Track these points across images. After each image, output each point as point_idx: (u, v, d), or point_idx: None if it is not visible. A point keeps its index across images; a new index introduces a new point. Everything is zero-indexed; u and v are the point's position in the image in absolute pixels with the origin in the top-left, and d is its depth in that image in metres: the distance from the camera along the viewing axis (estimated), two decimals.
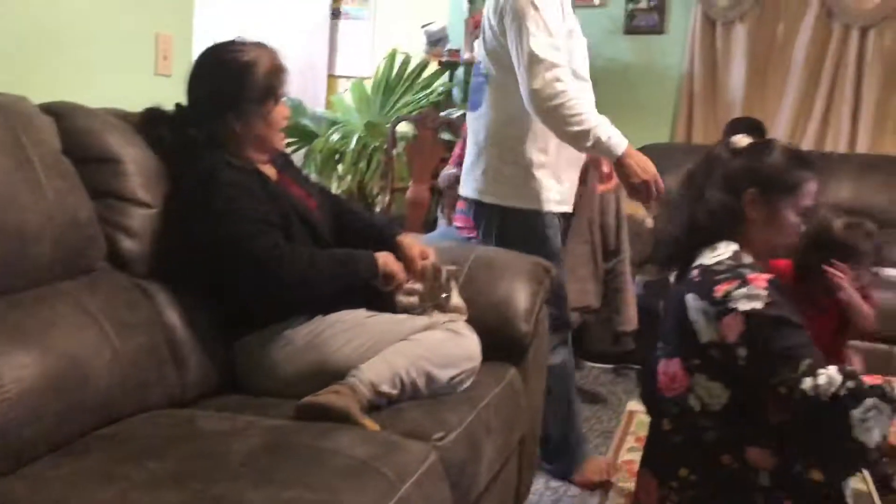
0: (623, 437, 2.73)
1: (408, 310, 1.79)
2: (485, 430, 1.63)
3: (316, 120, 4.92)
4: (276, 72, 1.71)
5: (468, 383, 1.69)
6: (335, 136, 4.68)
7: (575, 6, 2.26)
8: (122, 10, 2.32)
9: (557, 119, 2.02)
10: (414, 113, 4.42)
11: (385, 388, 1.54)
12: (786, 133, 4.22)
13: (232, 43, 1.71)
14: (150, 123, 1.72)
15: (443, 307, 1.79)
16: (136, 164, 1.64)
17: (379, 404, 1.53)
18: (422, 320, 1.71)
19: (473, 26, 4.64)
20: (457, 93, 4.89)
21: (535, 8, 2.01)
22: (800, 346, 1.42)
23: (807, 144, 4.19)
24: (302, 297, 1.66)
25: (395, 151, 4.32)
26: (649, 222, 3.26)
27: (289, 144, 4.76)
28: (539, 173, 2.17)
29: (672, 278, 1.72)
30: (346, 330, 1.66)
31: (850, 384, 1.36)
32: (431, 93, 4.80)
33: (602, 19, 4.47)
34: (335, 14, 5.25)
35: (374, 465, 1.25)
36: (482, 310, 1.89)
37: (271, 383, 1.64)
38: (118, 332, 1.46)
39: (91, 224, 1.55)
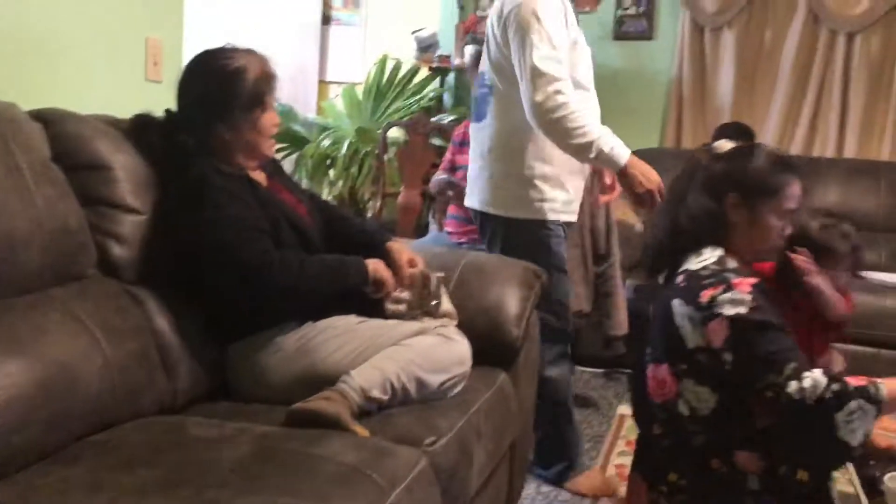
0: (614, 442, 2.74)
1: (396, 317, 1.79)
2: (475, 435, 1.63)
3: (307, 126, 4.92)
4: (266, 79, 1.71)
5: (459, 388, 1.70)
6: (326, 142, 4.68)
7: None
8: (111, 15, 2.32)
9: (560, 132, 2.03)
10: (405, 118, 4.43)
11: (376, 393, 1.54)
12: (774, 138, 4.24)
13: (222, 49, 1.71)
14: (140, 130, 1.71)
15: (433, 314, 1.80)
16: (125, 170, 1.64)
17: (369, 410, 1.54)
18: (413, 325, 1.71)
19: (464, 32, 4.65)
20: (447, 98, 4.90)
21: (539, 20, 2.02)
22: (784, 350, 1.43)
23: (795, 149, 4.22)
24: (292, 304, 1.66)
25: (386, 157, 4.33)
26: (639, 227, 3.27)
27: (280, 150, 4.76)
28: (543, 184, 2.18)
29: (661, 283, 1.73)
30: (336, 336, 1.66)
31: (834, 387, 1.37)
32: (422, 98, 4.81)
33: (591, 25, 4.47)
34: (326, 20, 5.26)
35: (364, 472, 1.25)
36: (473, 315, 1.89)
37: (262, 389, 1.64)
38: (108, 339, 1.46)
39: (81, 231, 1.54)
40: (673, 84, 4.44)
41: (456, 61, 4.65)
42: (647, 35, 4.49)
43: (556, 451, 2.34)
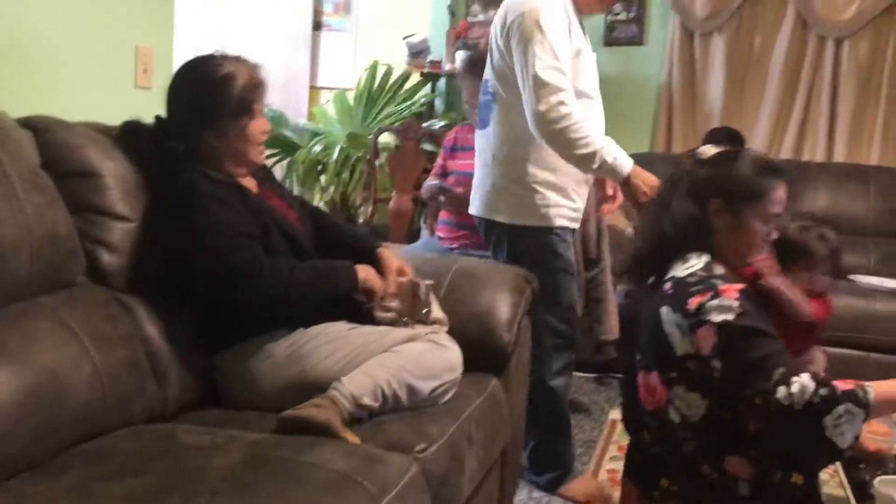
0: (606, 447, 2.74)
1: (387, 324, 1.79)
2: (467, 441, 1.63)
3: (298, 131, 4.92)
4: (253, 86, 1.71)
5: (450, 395, 1.70)
6: (317, 148, 4.68)
7: None
8: (101, 22, 2.32)
9: (563, 142, 2.03)
10: (396, 124, 4.43)
11: (366, 400, 1.54)
12: (764, 143, 4.27)
13: (211, 57, 1.71)
14: (130, 136, 1.71)
15: (424, 321, 1.80)
16: (115, 177, 1.63)
17: (360, 417, 1.54)
18: (404, 332, 1.71)
19: (455, 38, 4.66)
20: (439, 104, 4.91)
21: (541, 30, 2.02)
22: (772, 356, 1.43)
23: (785, 154, 4.25)
24: (283, 311, 1.66)
25: (377, 162, 4.33)
26: (630, 232, 3.28)
27: (271, 156, 4.76)
28: (547, 192, 2.17)
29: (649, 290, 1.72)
30: (327, 342, 1.66)
31: (822, 391, 1.37)
32: (413, 104, 4.81)
33: None
34: (317, 26, 5.26)
35: (355, 479, 1.25)
36: (464, 320, 1.90)
37: (253, 397, 1.64)
38: (98, 347, 1.45)
39: (70, 238, 1.54)
40: (663, 89, 4.45)
41: (447, 67, 4.66)
42: (637, 40, 4.50)
43: (550, 459, 2.34)
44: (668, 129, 4.45)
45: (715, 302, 1.46)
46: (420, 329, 1.74)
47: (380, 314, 1.78)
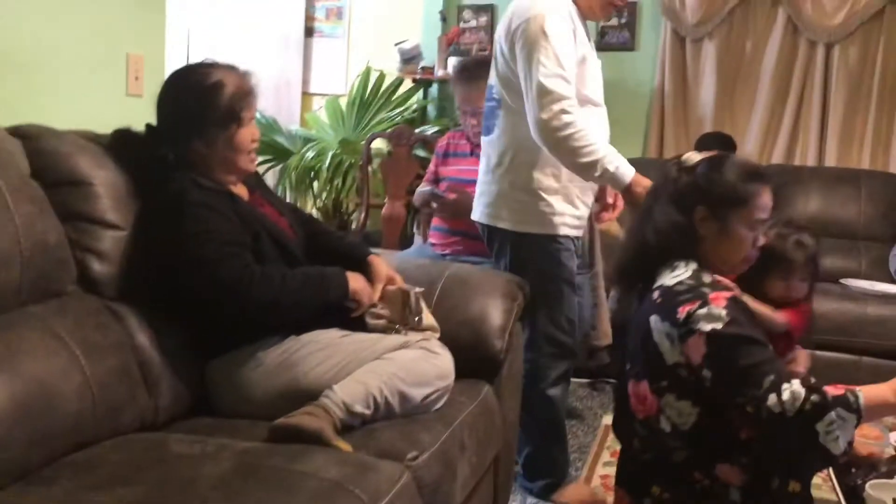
0: (599, 452, 2.74)
1: (378, 331, 1.79)
2: (459, 448, 1.63)
3: (290, 138, 4.92)
4: (242, 95, 1.70)
5: (442, 402, 1.70)
6: (310, 154, 4.68)
7: None
8: (92, 30, 2.31)
9: (566, 150, 2.03)
10: (388, 130, 4.43)
11: (358, 408, 1.54)
12: (755, 147, 4.29)
13: (201, 65, 1.71)
14: (120, 145, 1.71)
15: (415, 329, 1.79)
16: (106, 186, 1.63)
17: (352, 425, 1.53)
18: (395, 339, 1.71)
19: (446, 44, 4.67)
20: (431, 110, 4.92)
21: (546, 37, 2.01)
22: (762, 363, 1.42)
23: (777, 158, 4.26)
24: (274, 318, 1.66)
25: (370, 168, 4.33)
26: (622, 238, 3.28)
27: (263, 162, 4.76)
28: (551, 198, 2.16)
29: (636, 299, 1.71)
30: (319, 350, 1.65)
31: (814, 398, 1.37)
32: (406, 110, 4.82)
33: None
34: (309, 32, 5.26)
35: (346, 487, 1.25)
36: (456, 327, 1.89)
37: (244, 405, 1.64)
38: (88, 356, 1.45)
39: (61, 247, 1.53)
40: (655, 94, 4.47)
41: (439, 73, 4.67)
42: (629, 46, 4.52)
43: (545, 467, 2.34)
44: (660, 134, 4.47)
45: (704, 311, 1.46)
46: (412, 336, 1.74)
47: (371, 321, 1.78)
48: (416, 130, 4.40)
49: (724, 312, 1.45)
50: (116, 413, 1.48)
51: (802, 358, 2.00)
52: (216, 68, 1.70)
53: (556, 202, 2.17)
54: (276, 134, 4.85)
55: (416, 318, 1.79)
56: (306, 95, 5.31)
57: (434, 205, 3.08)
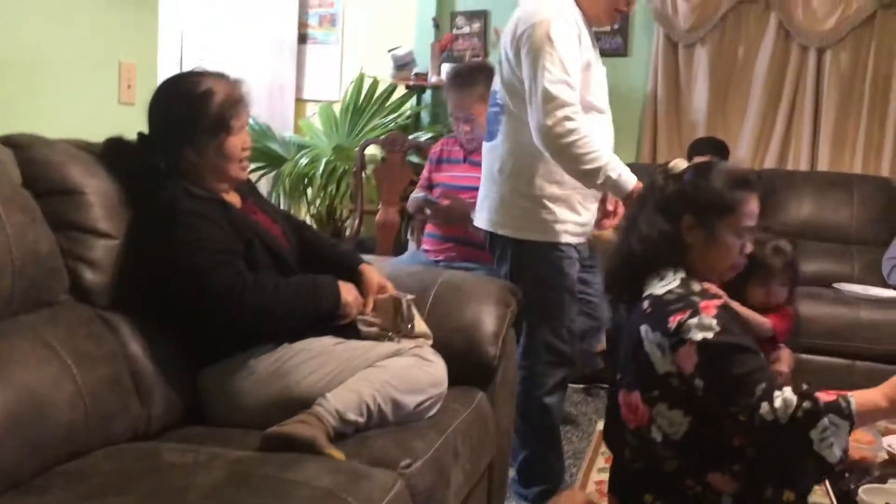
0: (594, 458, 2.74)
1: (371, 339, 1.79)
2: (453, 455, 1.63)
3: (284, 144, 4.92)
4: (231, 103, 1.70)
5: (435, 409, 1.69)
6: (304, 160, 4.68)
7: None
8: (84, 38, 2.31)
9: (568, 157, 2.02)
10: (382, 136, 4.43)
11: (351, 416, 1.54)
12: (748, 152, 4.30)
13: (192, 73, 1.72)
14: (112, 153, 1.71)
15: (408, 336, 1.79)
16: (97, 194, 1.63)
17: (345, 433, 1.53)
18: (388, 347, 1.71)
19: (440, 50, 4.68)
20: (424, 116, 4.92)
21: (552, 43, 2.01)
22: (753, 371, 1.42)
23: (769, 163, 4.28)
24: (266, 327, 1.65)
25: (364, 175, 4.33)
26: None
27: (257, 169, 4.76)
28: (554, 205, 2.15)
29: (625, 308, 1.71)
30: (312, 358, 1.65)
31: (806, 404, 1.37)
32: (399, 116, 4.82)
33: None
34: (302, 39, 5.27)
35: (339, 496, 1.25)
36: (449, 333, 1.89)
37: (237, 413, 1.63)
38: (80, 365, 1.44)
39: (53, 257, 1.53)
40: (648, 100, 4.48)
41: (433, 79, 4.67)
42: (621, 52, 4.53)
43: (540, 473, 2.34)
44: (653, 139, 4.48)
45: (694, 320, 1.45)
46: (405, 344, 1.74)
47: (363, 329, 1.78)
48: (410, 137, 4.40)
49: (714, 321, 1.45)
50: (108, 422, 1.47)
51: (786, 357, 2.02)
52: (206, 77, 1.70)
53: (559, 209, 2.16)
54: (269, 141, 4.85)
55: (409, 326, 1.79)
56: (300, 102, 5.30)
57: (428, 211, 3.08)
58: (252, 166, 4.40)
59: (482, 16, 4.76)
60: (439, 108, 4.77)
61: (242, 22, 5.09)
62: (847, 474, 1.74)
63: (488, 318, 1.96)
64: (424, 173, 3.26)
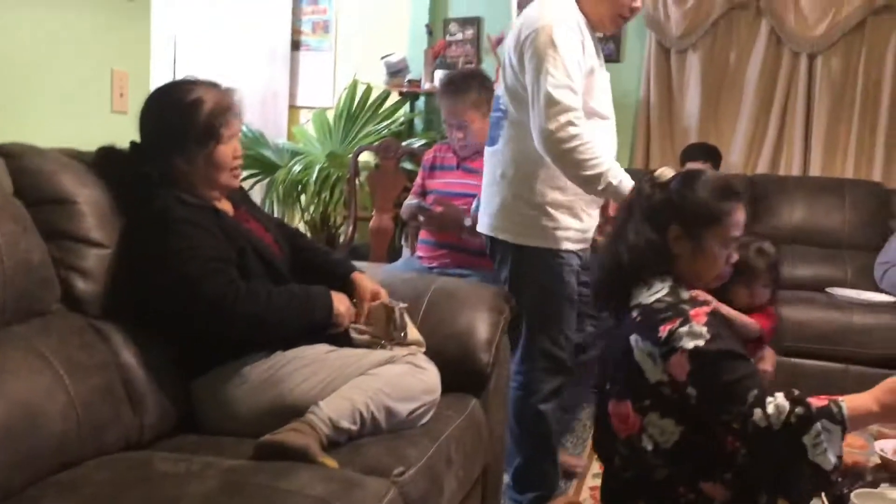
0: (588, 464, 2.74)
1: (364, 346, 1.79)
2: (446, 463, 1.63)
3: (277, 151, 4.92)
4: (220, 111, 1.69)
5: (429, 416, 1.70)
6: (297, 167, 4.68)
7: None
8: (76, 46, 2.31)
9: (570, 162, 2.02)
10: (376, 143, 4.44)
11: (344, 424, 1.54)
12: (740, 157, 4.32)
13: (183, 81, 1.71)
14: (104, 162, 1.71)
15: (401, 344, 1.79)
16: (89, 204, 1.63)
17: (338, 441, 1.53)
18: (381, 354, 1.71)
19: (433, 57, 4.69)
20: (418, 123, 4.93)
21: (555, 48, 2.01)
22: (745, 378, 1.42)
23: (761, 168, 4.29)
24: (258, 336, 1.65)
25: (357, 181, 4.33)
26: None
27: (251, 176, 4.75)
28: (556, 211, 2.15)
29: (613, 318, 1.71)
30: (305, 366, 1.65)
31: (798, 410, 1.37)
32: (393, 123, 4.83)
33: None
34: (296, 45, 5.27)
35: None
36: (443, 340, 1.90)
37: (230, 422, 1.63)
38: (72, 375, 1.44)
39: (44, 266, 1.53)
40: (640, 106, 4.50)
41: (426, 86, 4.68)
42: (613, 58, 4.54)
43: (534, 480, 2.33)
44: (646, 145, 4.49)
45: (685, 328, 1.45)
46: (398, 351, 1.74)
47: (356, 336, 1.78)
48: (403, 143, 4.41)
49: (705, 329, 1.45)
50: (101, 432, 1.47)
51: (769, 356, 2.03)
52: (197, 85, 1.70)
53: (561, 216, 2.15)
54: (263, 148, 4.85)
55: (401, 334, 1.79)
56: (293, 109, 5.31)
57: (421, 218, 3.08)
58: (245, 173, 4.40)
59: (475, 22, 4.77)
60: (433, 114, 4.78)
61: (235, 29, 5.09)
62: (839, 479, 1.74)
63: (482, 325, 1.96)
64: (418, 180, 3.26)
